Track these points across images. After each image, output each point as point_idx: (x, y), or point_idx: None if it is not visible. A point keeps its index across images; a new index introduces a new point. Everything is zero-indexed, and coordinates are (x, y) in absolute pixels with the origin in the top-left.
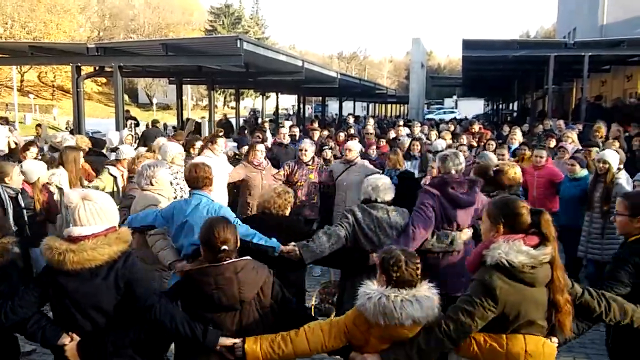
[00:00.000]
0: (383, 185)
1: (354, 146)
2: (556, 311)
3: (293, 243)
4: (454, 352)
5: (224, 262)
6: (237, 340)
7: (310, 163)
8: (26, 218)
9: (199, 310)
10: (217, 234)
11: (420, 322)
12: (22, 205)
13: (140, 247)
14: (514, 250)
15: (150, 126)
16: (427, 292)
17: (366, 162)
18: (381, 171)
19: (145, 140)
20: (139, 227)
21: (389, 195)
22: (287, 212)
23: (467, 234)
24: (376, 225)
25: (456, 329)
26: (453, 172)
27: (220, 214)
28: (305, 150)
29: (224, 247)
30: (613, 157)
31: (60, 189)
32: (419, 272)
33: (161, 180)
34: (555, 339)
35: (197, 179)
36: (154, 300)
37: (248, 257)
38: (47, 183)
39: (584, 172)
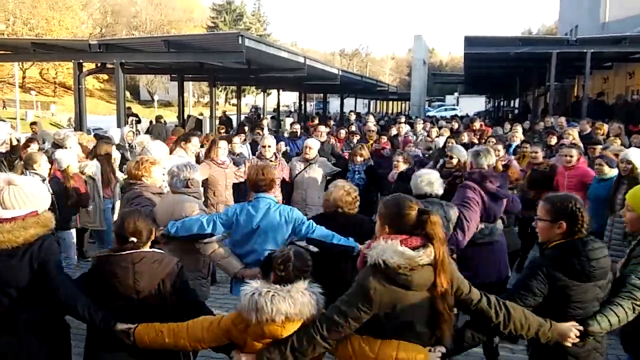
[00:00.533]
0: (437, 181)
1: (314, 144)
2: (436, 318)
3: (370, 241)
4: (331, 353)
5: (123, 252)
6: (131, 326)
7: (273, 159)
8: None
9: (103, 297)
10: (127, 225)
11: (294, 319)
12: (51, 191)
13: (180, 254)
14: (390, 250)
15: (154, 122)
16: (302, 289)
17: (325, 161)
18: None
19: (150, 135)
20: (187, 236)
21: (441, 190)
22: (356, 210)
23: (500, 224)
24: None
25: (329, 329)
26: (485, 167)
27: (293, 216)
28: (269, 147)
29: (132, 238)
30: (637, 156)
31: (92, 179)
32: (307, 271)
33: (196, 183)
34: (440, 349)
35: (263, 181)
36: (60, 283)
37: (154, 250)
38: (81, 172)
39: (613, 172)
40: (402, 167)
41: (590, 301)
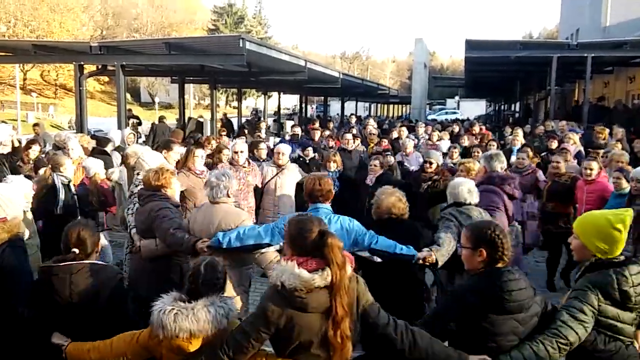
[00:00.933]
0: (475, 190)
1: (285, 149)
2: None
3: (427, 249)
4: None
5: (62, 264)
6: (64, 343)
7: (246, 165)
8: (77, 203)
9: (45, 306)
10: (70, 236)
11: (199, 335)
12: (73, 192)
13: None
14: (288, 272)
15: (157, 122)
16: (207, 305)
17: (296, 166)
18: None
19: (154, 135)
20: (241, 247)
21: (477, 199)
22: (407, 216)
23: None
24: None
25: (234, 350)
26: (499, 169)
27: (353, 227)
28: (241, 152)
29: (74, 249)
30: None
31: (119, 184)
32: (217, 284)
33: (234, 192)
34: None
35: (320, 191)
36: (15, 289)
37: (94, 261)
38: (107, 179)
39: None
40: (379, 170)
41: (505, 334)
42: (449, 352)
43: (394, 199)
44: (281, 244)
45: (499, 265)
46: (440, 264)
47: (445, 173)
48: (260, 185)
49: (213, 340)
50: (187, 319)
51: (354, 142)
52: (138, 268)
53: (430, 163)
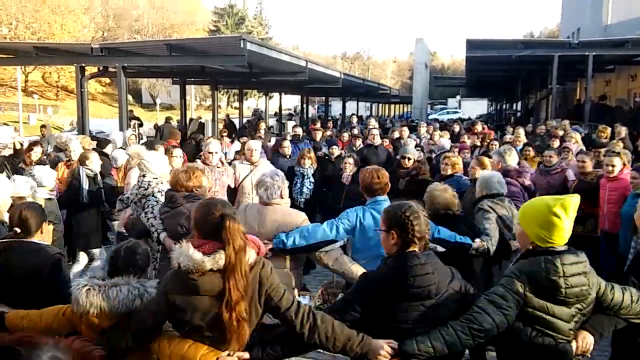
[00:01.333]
0: (503, 180)
1: (257, 146)
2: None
3: (478, 239)
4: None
5: (2, 241)
6: (5, 310)
7: (219, 166)
8: (104, 196)
9: None
10: (12, 215)
11: (109, 312)
12: (100, 185)
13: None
14: (184, 254)
15: (164, 122)
16: (121, 284)
17: (268, 163)
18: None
19: (161, 136)
20: (306, 246)
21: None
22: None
23: None
24: (511, 214)
25: (136, 325)
26: (512, 164)
27: None
28: (215, 153)
29: (15, 228)
30: None
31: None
32: (135, 265)
33: (286, 193)
34: (242, 355)
35: (378, 184)
36: None
37: (34, 240)
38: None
39: None
40: (354, 168)
41: (413, 321)
42: (352, 335)
43: (449, 196)
44: (345, 239)
45: (413, 248)
46: (491, 252)
47: (421, 168)
48: (233, 185)
49: (126, 320)
50: (98, 295)
51: (379, 138)
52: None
53: (409, 158)
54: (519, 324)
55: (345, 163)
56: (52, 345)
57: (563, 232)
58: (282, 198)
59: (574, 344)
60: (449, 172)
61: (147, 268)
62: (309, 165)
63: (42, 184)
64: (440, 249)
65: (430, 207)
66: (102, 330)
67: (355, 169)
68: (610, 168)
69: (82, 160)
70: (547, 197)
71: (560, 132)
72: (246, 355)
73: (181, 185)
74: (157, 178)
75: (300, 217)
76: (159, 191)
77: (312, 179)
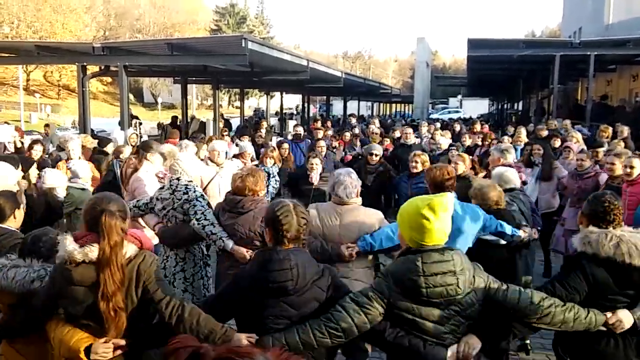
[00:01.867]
0: (516, 174)
1: (221, 147)
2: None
3: (521, 230)
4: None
5: None
6: None
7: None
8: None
9: None
10: None
11: (7, 291)
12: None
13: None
14: (63, 245)
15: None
16: (24, 266)
17: (233, 163)
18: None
19: (166, 135)
20: (392, 247)
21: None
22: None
23: None
24: (528, 207)
25: (29, 306)
26: (512, 161)
27: (480, 213)
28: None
29: None
30: None
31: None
32: (41, 253)
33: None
34: (118, 341)
35: (450, 180)
36: None
37: (3, 226)
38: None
39: None
40: (320, 169)
41: (274, 317)
42: (215, 328)
43: (497, 192)
44: None
45: (287, 246)
46: (532, 241)
47: (388, 166)
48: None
49: (28, 299)
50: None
51: (411, 138)
52: None
53: (376, 155)
54: (386, 324)
55: (312, 164)
56: (262, 353)
57: (433, 233)
58: (358, 197)
59: (453, 348)
60: (420, 169)
61: (53, 255)
62: (271, 165)
63: (78, 176)
64: (502, 241)
65: (482, 203)
66: (9, 305)
67: (321, 168)
68: (629, 170)
69: (116, 153)
70: (419, 197)
71: (545, 133)
72: (122, 342)
73: (250, 189)
74: (192, 181)
75: (379, 216)
76: (201, 195)
77: (277, 178)
